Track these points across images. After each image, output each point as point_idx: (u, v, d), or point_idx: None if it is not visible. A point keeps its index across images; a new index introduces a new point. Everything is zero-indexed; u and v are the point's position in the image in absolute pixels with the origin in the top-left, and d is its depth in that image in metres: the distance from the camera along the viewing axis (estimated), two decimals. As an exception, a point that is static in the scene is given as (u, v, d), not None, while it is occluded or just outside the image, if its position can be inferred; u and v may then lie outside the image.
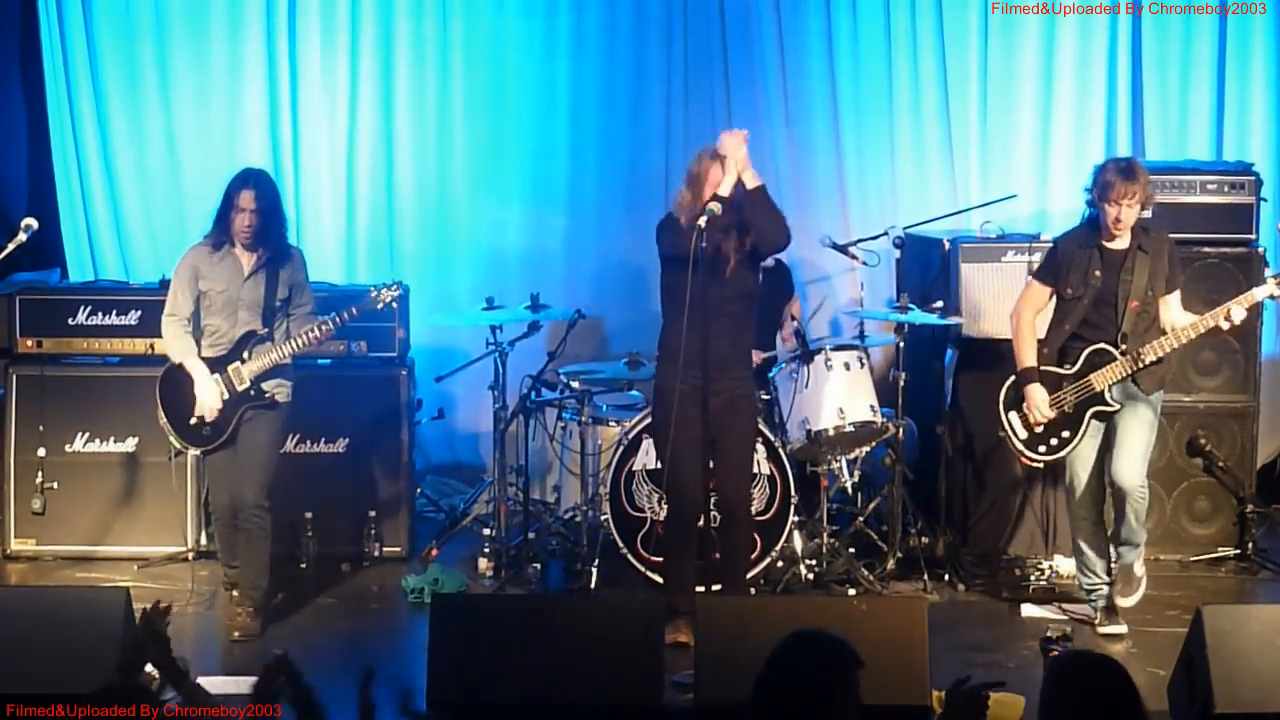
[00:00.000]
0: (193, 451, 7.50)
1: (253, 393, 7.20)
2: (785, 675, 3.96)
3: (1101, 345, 7.11)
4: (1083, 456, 7.24)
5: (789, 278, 8.87)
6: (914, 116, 9.51)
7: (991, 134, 9.53)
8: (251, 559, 7.32)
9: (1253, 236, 8.33)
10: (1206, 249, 8.28)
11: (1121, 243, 7.10)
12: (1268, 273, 7.16)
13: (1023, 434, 7.26)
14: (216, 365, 7.18)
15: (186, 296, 7.21)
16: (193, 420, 7.19)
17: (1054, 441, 7.23)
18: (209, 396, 7.14)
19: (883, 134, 9.54)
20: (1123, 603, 7.34)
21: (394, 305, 7.69)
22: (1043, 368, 7.21)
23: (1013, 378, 7.29)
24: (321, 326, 7.20)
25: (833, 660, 3.97)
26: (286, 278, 7.24)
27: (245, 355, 7.18)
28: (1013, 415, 7.27)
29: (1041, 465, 7.42)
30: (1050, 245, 7.49)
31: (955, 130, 9.48)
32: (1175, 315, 7.18)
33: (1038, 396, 7.17)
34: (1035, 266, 7.60)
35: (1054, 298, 7.28)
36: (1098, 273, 7.10)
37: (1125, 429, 7.17)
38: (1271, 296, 7.07)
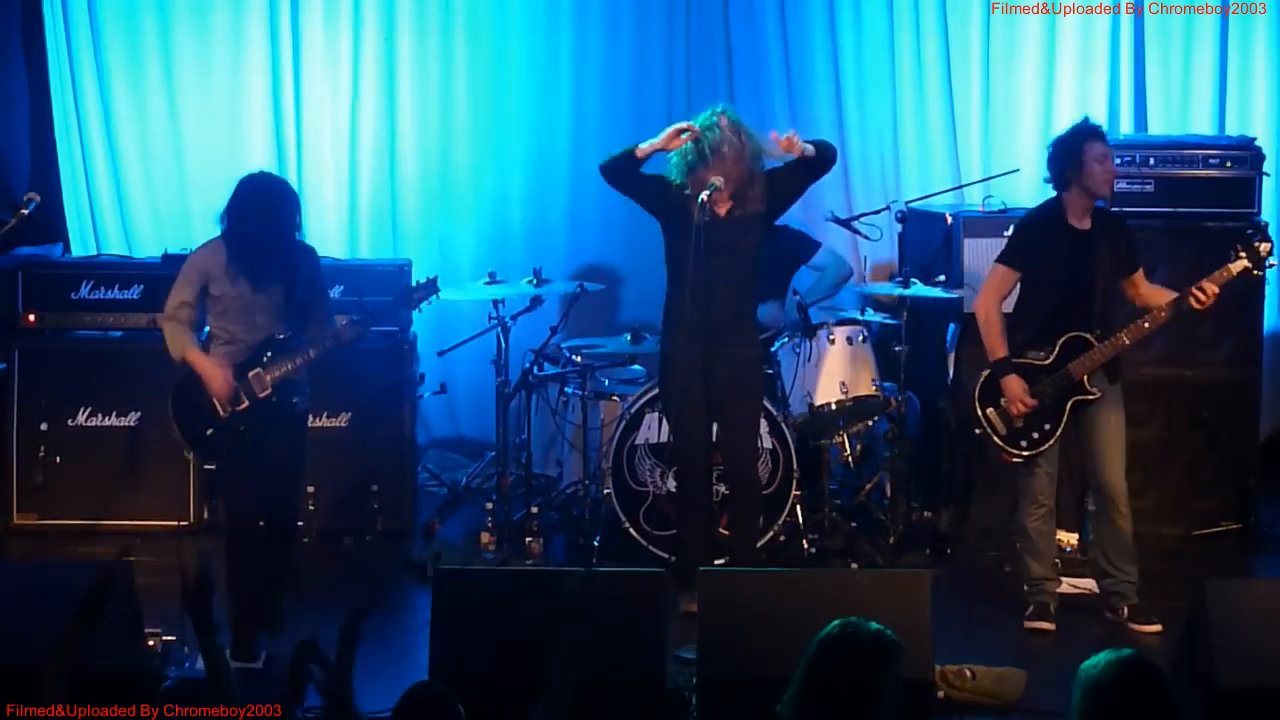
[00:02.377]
0: (209, 466, 6.89)
1: (275, 399, 6.67)
2: (832, 670, 3.94)
3: (1076, 332, 6.91)
4: (1051, 448, 7.04)
5: (807, 245, 8.63)
6: (916, 91, 9.47)
7: (994, 108, 9.50)
8: (278, 576, 6.90)
9: (1254, 210, 8.31)
10: (1208, 223, 8.27)
11: (1086, 223, 6.93)
12: (1238, 248, 6.89)
13: (1002, 430, 6.99)
14: (236, 372, 6.64)
15: (190, 298, 6.69)
16: (209, 431, 6.65)
17: (1035, 435, 6.97)
18: (218, 384, 6.58)
19: (885, 108, 9.51)
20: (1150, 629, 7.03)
21: (428, 304, 7.24)
22: (1018, 360, 6.97)
23: (987, 371, 7.05)
24: (346, 331, 6.76)
25: (878, 652, 3.95)
26: (303, 277, 6.79)
27: (265, 360, 6.66)
28: (991, 411, 7.00)
29: (1024, 461, 7.07)
30: (1018, 228, 7.26)
31: (958, 104, 9.46)
32: (1147, 293, 7.02)
33: (1017, 388, 6.91)
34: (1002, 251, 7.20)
35: (1018, 282, 7.08)
36: (1069, 256, 6.91)
37: (1104, 433, 7.01)
38: (1245, 271, 6.88)
